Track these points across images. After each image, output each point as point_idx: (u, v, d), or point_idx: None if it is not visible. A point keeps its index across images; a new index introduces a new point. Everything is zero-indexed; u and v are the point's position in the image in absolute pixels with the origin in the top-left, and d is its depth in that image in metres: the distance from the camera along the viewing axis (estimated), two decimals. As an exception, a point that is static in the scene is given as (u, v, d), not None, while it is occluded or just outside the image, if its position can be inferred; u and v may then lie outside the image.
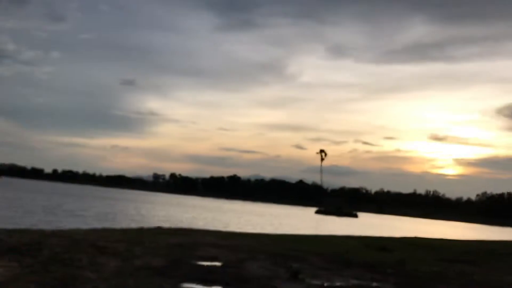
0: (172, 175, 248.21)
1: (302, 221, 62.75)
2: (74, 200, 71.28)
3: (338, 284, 11.34)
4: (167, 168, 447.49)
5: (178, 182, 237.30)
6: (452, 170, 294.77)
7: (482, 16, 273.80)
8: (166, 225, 30.09)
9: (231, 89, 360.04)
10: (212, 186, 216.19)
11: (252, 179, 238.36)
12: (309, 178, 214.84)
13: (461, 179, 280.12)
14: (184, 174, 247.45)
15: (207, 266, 12.17)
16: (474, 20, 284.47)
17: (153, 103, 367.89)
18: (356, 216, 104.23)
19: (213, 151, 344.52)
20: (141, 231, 20.04)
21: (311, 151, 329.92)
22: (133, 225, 31.03)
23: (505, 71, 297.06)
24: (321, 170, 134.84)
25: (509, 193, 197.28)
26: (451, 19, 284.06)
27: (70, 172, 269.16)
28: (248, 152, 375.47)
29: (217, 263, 12.68)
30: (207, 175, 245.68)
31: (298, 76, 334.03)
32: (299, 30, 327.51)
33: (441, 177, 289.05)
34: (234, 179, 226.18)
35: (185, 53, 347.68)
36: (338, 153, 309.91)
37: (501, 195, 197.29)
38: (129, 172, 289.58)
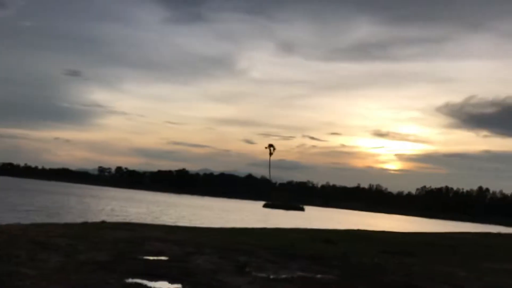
0: (118, 169, 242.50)
1: (250, 215, 63.13)
2: (13, 194, 68.27)
3: (283, 276, 11.52)
4: (113, 162, 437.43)
5: (124, 176, 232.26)
6: (394, 165, 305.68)
7: (424, 19, 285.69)
8: (111, 219, 29.43)
9: (180, 82, 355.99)
10: (160, 180, 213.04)
11: (201, 173, 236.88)
12: (258, 173, 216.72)
13: (403, 174, 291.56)
14: (131, 167, 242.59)
15: (153, 260, 12.03)
16: (416, 22, 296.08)
17: (99, 95, 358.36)
18: (303, 209, 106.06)
19: (161, 145, 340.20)
20: (85, 226, 19.48)
21: (260, 146, 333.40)
22: (77, 220, 30.12)
23: (444, 72, 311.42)
24: (270, 164, 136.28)
25: (447, 187, 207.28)
26: (394, 20, 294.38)
27: (10, 165, 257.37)
28: (197, 146, 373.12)
29: (163, 258, 12.55)
30: (154, 169, 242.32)
31: (248, 71, 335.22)
32: (249, 26, 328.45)
33: (383, 172, 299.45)
34: (182, 173, 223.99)
35: (133, 45, 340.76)
36: (286, 148, 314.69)
37: (439, 189, 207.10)
38: (73, 165, 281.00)
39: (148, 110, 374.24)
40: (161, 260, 12.22)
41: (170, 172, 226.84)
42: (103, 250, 12.68)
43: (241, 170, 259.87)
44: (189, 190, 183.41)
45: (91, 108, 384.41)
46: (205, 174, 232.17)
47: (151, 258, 12.33)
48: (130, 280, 9.41)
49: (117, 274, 9.74)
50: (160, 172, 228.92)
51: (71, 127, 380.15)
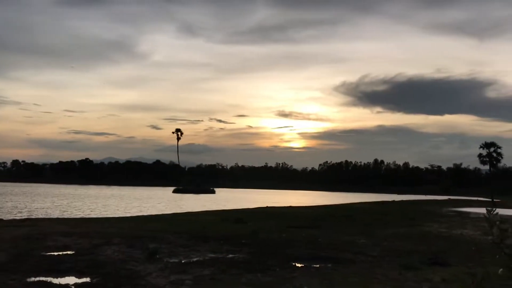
0: (15, 162, 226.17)
1: (160, 201, 62.29)
2: None
3: (195, 259, 11.63)
4: (8, 155, 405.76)
5: (21, 170, 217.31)
6: (298, 144, 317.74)
7: (318, 2, 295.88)
8: (13, 217, 27.53)
9: (77, 68, 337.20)
10: (62, 172, 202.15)
11: (106, 162, 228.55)
12: (166, 158, 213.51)
13: (306, 151, 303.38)
14: (28, 160, 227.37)
15: (58, 256, 11.54)
16: (312, 5, 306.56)
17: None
18: (213, 192, 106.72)
19: (61, 135, 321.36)
20: (-22, 227, 18.06)
21: (167, 131, 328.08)
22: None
23: (340, 53, 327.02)
24: (178, 149, 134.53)
25: (346, 162, 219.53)
26: (290, 3, 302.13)
27: None
28: (99, 134, 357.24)
29: (69, 252, 12.09)
30: (55, 160, 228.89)
31: (150, 55, 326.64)
32: (148, 8, 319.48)
33: (288, 150, 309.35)
34: (85, 163, 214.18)
35: (23, 28, 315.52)
36: (194, 132, 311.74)
37: (339, 164, 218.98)
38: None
39: (44, 98, 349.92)
40: (66, 254, 11.76)
41: (72, 162, 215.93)
42: (1, 250, 11.91)
43: (148, 156, 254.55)
44: (95, 180, 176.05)
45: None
46: (110, 163, 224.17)
47: (55, 253, 11.82)
48: (33, 279, 8.98)
49: (18, 274, 9.23)
50: (61, 164, 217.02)
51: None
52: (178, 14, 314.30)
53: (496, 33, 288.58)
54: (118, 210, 42.51)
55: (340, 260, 12.07)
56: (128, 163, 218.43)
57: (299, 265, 11.32)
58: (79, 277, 9.28)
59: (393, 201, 61.60)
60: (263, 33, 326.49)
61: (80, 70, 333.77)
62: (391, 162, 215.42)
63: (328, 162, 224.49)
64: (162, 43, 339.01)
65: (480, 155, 78.74)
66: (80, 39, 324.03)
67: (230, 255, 12.39)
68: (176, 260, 11.35)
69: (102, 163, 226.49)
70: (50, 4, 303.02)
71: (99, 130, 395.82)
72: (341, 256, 12.71)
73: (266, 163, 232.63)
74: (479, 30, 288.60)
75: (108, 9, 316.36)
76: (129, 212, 37.24)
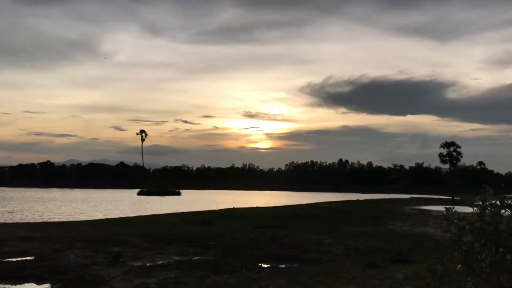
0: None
1: (124, 204, 61.24)
2: None
3: (160, 262, 11.50)
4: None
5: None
6: (264, 144, 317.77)
7: (284, 3, 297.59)
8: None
9: (37, 67, 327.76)
10: (22, 175, 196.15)
11: (68, 164, 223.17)
12: (130, 160, 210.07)
13: (272, 152, 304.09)
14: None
15: (17, 262, 11.18)
16: (278, 6, 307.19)
17: None
18: (179, 193, 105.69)
19: (20, 137, 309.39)
20: None
21: (131, 132, 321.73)
22: None
23: (305, 54, 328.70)
24: (142, 151, 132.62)
25: (312, 162, 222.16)
26: (257, 4, 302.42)
27: None
28: (61, 136, 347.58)
29: (29, 258, 11.74)
30: (14, 163, 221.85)
31: (113, 54, 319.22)
32: (112, 7, 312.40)
33: (255, 151, 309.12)
34: (46, 165, 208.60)
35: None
36: (158, 133, 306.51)
37: (305, 164, 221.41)
38: None
39: (2, 99, 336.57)
40: (26, 260, 11.41)
41: (33, 165, 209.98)
42: (-44, 257, 11.45)
43: (112, 158, 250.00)
44: (57, 183, 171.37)
45: None
46: (72, 165, 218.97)
47: (14, 259, 11.45)
48: (-10, 286, 8.67)
49: (-25, 282, 8.90)
50: (21, 166, 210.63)
51: None
52: (142, 13, 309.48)
53: (456, 35, 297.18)
54: (81, 213, 41.56)
55: (305, 260, 12.18)
56: (91, 165, 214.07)
57: (265, 265, 11.36)
58: (40, 284, 9.03)
59: (358, 200, 62.63)
60: (229, 33, 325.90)
61: (41, 70, 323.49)
62: (356, 162, 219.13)
63: (294, 162, 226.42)
64: (125, 42, 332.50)
65: (440, 155, 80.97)
66: (40, 38, 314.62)
67: (196, 257, 12.31)
68: (141, 264, 11.19)
69: (64, 166, 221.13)
70: (9, 1, 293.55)
71: (60, 132, 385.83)
72: (307, 256, 12.82)
73: (232, 164, 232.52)
74: (440, 33, 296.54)
75: (70, 8, 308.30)
76: (93, 216, 36.45)
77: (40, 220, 30.00)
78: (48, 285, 8.93)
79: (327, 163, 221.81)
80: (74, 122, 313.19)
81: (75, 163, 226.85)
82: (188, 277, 9.72)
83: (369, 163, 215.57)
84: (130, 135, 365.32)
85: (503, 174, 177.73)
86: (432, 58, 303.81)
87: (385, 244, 15.50)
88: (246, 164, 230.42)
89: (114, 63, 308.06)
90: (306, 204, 48.43)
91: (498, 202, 5.42)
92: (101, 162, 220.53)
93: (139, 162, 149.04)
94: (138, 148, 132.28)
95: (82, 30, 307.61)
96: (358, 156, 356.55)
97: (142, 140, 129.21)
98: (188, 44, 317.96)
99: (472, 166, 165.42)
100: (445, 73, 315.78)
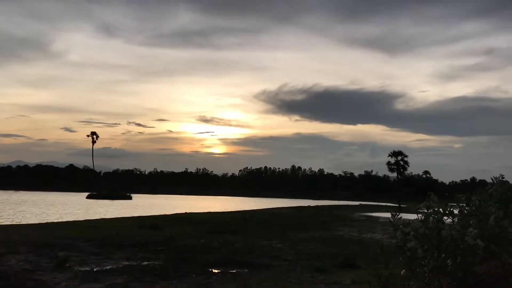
0: None
1: (72, 207, 59.35)
2: None
3: (108, 267, 11.22)
4: None
5: None
6: (219, 149, 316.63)
7: (240, 10, 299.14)
8: None
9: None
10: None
11: (14, 165, 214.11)
12: (80, 162, 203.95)
13: (227, 157, 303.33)
14: None
15: (-46, 267, 10.60)
16: (234, 13, 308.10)
17: None
18: (130, 198, 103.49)
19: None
20: None
21: (82, 134, 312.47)
22: None
23: (261, 61, 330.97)
24: (93, 153, 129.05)
25: (265, 167, 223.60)
26: (213, 10, 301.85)
27: None
28: (7, 136, 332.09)
29: (-33, 263, 11.15)
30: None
31: (65, 54, 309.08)
32: (65, 5, 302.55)
33: (209, 156, 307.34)
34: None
35: None
36: (110, 136, 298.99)
37: (259, 170, 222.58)
38: None
39: None
40: (-36, 265, 10.84)
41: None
42: None
43: (61, 160, 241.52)
44: (2, 184, 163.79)
45: None
46: (19, 167, 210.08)
47: (-50, 265, 10.85)
48: None
49: None
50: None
51: None
52: (96, 13, 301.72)
53: (405, 49, 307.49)
54: (26, 216, 39.92)
55: (256, 265, 12.22)
56: (39, 167, 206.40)
57: (215, 270, 11.31)
58: (-22, 290, 8.60)
59: (309, 206, 63.50)
60: (185, 37, 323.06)
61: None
62: (308, 169, 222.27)
63: (248, 168, 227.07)
64: (78, 42, 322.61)
65: (388, 163, 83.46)
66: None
67: (145, 262, 12.10)
68: (88, 269, 10.88)
69: (9, 167, 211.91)
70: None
71: (6, 132, 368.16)
72: (257, 261, 12.87)
73: (186, 168, 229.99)
74: (390, 46, 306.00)
75: (21, 4, 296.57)
76: (38, 219, 35.10)
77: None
78: (-13, 291, 8.53)
79: (280, 169, 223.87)
80: (21, 122, 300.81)
81: (22, 164, 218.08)
82: (137, 282, 9.54)
83: (321, 170, 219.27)
84: (80, 137, 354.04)
85: (447, 183, 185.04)
86: (382, 70, 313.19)
87: (333, 249, 15.79)
88: (199, 169, 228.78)
89: (66, 63, 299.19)
90: (258, 210, 48.63)
91: (441, 210, 5.66)
92: (50, 164, 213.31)
93: (90, 164, 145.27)
94: (89, 151, 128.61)
95: (33, 28, 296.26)
96: (310, 163, 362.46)
97: (93, 142, 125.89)
98: (143, 46, 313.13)
99: (418, 175, 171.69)
100: (394, 85, 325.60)
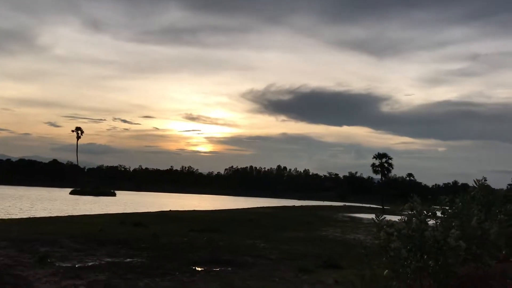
0: None
1: (55, 203, 58.70)
2: None
3: (90, 264, 11.12)
4: None
5: None
6: (205, 148, 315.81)
7: (229, 8, 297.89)
8: None
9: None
10: None
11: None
12: (64, 158, 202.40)
13: (212, 156, 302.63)
14: None
15: None
16: (222, 11, 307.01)
17: None
18: (114, 194, 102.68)
19: None
20: None
21: (66, 129, 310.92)
22: None
23: (248, 60, 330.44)
24: (77, 149, 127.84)
25: (251, 167, 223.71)
26: (203, 7, 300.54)
27: None
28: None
29: None
30: None
31: (52, 48, 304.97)
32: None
33: (195, 154, 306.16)
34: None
35: None
36: (96, 131, 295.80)
37: (245, 169, 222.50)
38: None
39: None
40: None
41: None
42: None
43: (44, 155, 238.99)
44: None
45: None
46: (1, 161, 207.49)
47: None
48: None
49: None
50: None
51: None
52: (84, 7, 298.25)
53: (392, 52, 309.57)
54: (7, 211, 39.38)
55: (240, 264, 12.22)
56: (22, 161, 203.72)
57: (199, 269, 11.28)
58: (-44, 284, 8.45)
59: (294, 206, 63.72)
60: (173, 34, 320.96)
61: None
62: (293, 169, 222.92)
63: (234, 167, 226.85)
64: (65, 36, 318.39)
65: (373, 165, 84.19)
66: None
67: (128, 259, 12.02)
68: (70, 265, 10.78)
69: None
70: None
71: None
72: (241, 260, 12.87)
73: (171, 166, 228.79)
74: (377, 49, 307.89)
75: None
76: (20, 214, 34.65)
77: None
78: (-35, 286, 8.39)
79: (266, 169, 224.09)
80: (4, 115, 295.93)
81: (4, 158, 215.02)
82: (119, 279, 9.47)
83: (306, 171, 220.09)
84: (65, 132, 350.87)
85: (430, 186, 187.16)
86: (369, 72, 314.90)
87: (317, 249, 15.86)
88: (185, 167, 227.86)
89: (52, 57, 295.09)
90: (243, 209, 48.66)
91: (424, 211, 5.72)
92: (33, 159, 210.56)
93: (74, 160, 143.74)
94: (73, 146, 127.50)
95: (18, 20, 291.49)
96: (296, 163, 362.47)
97: (78, 137, 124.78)
98: (131, 42, 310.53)
99: (402, 177, 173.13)
100: (380, 88, 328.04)
